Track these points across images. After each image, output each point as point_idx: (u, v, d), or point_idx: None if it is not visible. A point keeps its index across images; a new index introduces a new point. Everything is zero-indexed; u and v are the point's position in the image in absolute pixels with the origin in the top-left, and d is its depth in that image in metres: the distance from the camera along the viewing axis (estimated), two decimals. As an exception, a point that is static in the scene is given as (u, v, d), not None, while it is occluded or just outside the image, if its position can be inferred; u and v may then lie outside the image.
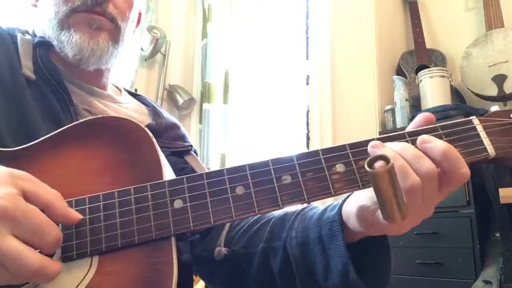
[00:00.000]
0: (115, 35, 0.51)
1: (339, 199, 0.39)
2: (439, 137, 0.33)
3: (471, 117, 0.35)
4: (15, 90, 0.43)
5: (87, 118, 0.39)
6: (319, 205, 0.43)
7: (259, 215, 0.49)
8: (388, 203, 0.29)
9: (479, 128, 0.34)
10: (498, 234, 1.33)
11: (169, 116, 0.60)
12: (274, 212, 0.49)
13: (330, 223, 0.38)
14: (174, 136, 0.57)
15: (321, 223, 0.40)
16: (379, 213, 0.32)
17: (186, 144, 0.57)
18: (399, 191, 0.29)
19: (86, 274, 0.31)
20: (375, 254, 0.39)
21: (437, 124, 0.34)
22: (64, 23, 0.49)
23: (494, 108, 0.35)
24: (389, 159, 0.28)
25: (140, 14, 0.60)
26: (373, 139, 0.33)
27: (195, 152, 0.59)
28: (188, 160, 0.55)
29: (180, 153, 0.55)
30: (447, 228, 1.33)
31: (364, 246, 0.38)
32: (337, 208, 0.39)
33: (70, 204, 0.33)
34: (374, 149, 0.32)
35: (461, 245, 1.31)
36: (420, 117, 0.36)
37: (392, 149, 0.32)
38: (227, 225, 0.48)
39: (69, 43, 0.48)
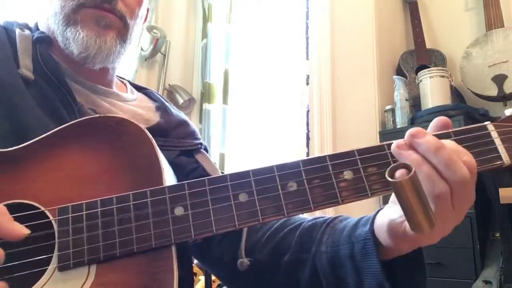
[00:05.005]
0: (123, 34, 0.49)
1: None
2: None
3: (485, 123, 0.33)
4: (9, 91, 0.41)
5: (84, 118, 0.37)
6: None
7: (284, 220, 0.47)
8: (413, 213, 0.27)
9: (494, 135, 0.32)
10: (498, 234, 1.33)
11: (178, 112, 0.58)
12: (301, 217, 0.47)
13: (363, 241, 0.36)
14: (183, 134, 0.54)
15: (353, 239, 0.38)
16: (407, 224, 0.30)
17: (196, 142, 0.55)
18: (424, 199, 0.27)
19: (84, 283, 0.30)
20: (409, 271, 0.36)
21: (450, 130, 0.33)
22: (71, 19, 0.46)
23: (509, 111, 0.33)
24: (411, 167, 0.27)
25: (148, 10, 0.58)
26: (383, 144, 0.32)
27: (205, 149, 0.56)
28: (199, 159, 0.53)
29: (189, 152, 0.53)
30: (447, 229, 1.32)
31: (397, 262, 0.36)
32: (369, 223, 0.36)
33: (66, 210, 0.32)
34: (400, 150, 0.30)
35: (461, 245, 1.31)
36: (437, 121, 0.33)
37: (419, 154, 0.29)
38: (245, 232, 0.46)
39: (75, 40, 0.46)
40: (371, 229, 0.36)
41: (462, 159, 0.30)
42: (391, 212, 0.33)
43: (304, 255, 0.43)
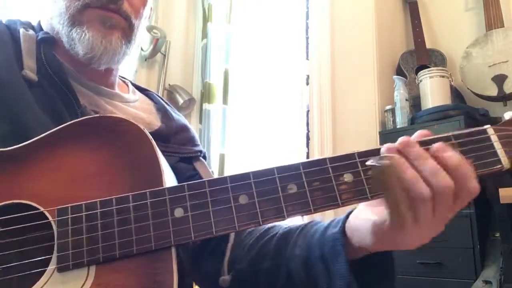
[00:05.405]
0: (128, 34, 0.49)
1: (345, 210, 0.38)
2: (451, 146, 0.32)
3: (485, 126, 0.33)
4: (10, 91, 0.41)
5: (83, 117, 0.37)
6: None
7: (263, 231, 0.48)
8: (394, 201, 0.29)
9: (494, 138, 0.32)
10: (498, 234, 1.33)
11: (179, 116, 0.58)
12: (280, 225, 0.48)
13: (332, 241, 0.37)
14: (183, 140, 0.54)
15: (323, 240, 0.39)
16: (390, 224, 0.31)
17: (195, 149, 0.55)
18: (406, 192, 0.29)
19: (83, 285, 0.30)
20: (379, 268, 0.37)
21: (450, 133, 0.33)
22: (76, 19, 0.46)
23: (508, 115, 0.33)
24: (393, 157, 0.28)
25: (151, 9, 0.58)
26: (381, 148, 0.32)
27: (204, 157, 0.56)
28: (197, 167, 0.53)
29: (189, 159, 0.53)
30: (447, 228, 1.31)
31: (368, 260, 0.37)
32: (340, 225, 0.37)
33: (65, 210, 0.32)
34: (390, 153, 0.31)
35: (461, 245, 1.31)
36: (419, 135, 0.34)
37: (405, 158, 0.31)
38: (229, 247, 0.46)
39: (80, 41, 0.46)
40: (341, 230, 0.37)
41: (454, 168, 0.31)
42: (373, 214, 0.34)
43: (280, 261, 0.43)
